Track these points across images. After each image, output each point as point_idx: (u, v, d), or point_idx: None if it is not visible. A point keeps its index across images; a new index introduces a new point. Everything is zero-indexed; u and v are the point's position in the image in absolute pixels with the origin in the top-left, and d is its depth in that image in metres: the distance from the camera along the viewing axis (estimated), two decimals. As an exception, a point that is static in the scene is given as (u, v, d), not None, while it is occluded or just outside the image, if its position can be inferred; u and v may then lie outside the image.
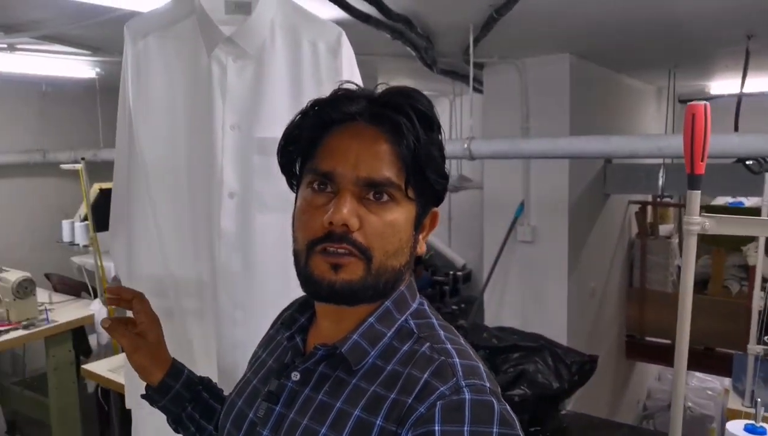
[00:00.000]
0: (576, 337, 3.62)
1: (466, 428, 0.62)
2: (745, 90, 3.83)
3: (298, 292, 1.19)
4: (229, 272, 1.19)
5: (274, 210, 1.18)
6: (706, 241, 5.54)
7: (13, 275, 2.92)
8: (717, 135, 2.21)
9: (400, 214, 0.71)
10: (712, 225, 1.06)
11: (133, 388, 1.26)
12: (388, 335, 0.73)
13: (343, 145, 0.71)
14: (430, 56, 2.94)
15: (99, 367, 2.50)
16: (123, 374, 1.30)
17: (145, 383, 1.00)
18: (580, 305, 3.77)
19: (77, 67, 3.45)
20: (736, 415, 1.40)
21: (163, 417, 1.26)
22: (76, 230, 3.56)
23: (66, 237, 3.65)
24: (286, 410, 0.74)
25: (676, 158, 3.99)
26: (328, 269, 0.70)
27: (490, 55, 3.32)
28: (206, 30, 1.14)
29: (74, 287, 3.65)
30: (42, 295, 3.20)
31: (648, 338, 4.91)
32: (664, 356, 4.91)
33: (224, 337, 1.20)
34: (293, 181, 0.79)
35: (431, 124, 0.72)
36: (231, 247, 1.18)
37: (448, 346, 0.70)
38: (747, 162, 3.00)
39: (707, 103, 0.99)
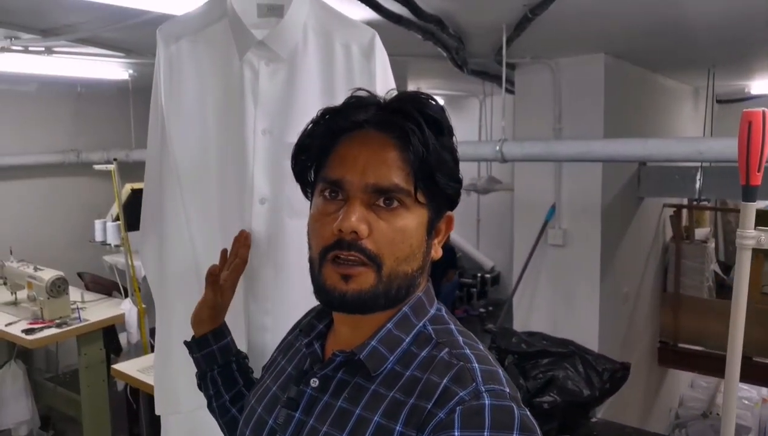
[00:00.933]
0: (607, 343, 3.54)
1: (486, 434, 0.62)
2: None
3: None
4: (260, 278, 1.17)
5: (303, 216, 1.15)
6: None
7: (47, 274, 2.97)
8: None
9: (410, 220, 0.71)
10: (767, 240, 1.01)
11: (163, 394, 1.25)
12: (407, 340, 0.73)
13: (352, 152, 0.72)
14: (461, 57, 2.90)
15: (128, 367, 2.53)
16: (153, 379, 1.29)
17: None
18: (613, 310, 3.69)
19: (111, 69, 3.50)
20: None
21: (194, 423, 1.26)
22: (108, 229, 3.61)
23: (98, 236, 3.70)
24: (305, 417, 0.74)
25: (714, 161, 3.89)
26: (338, 280, 0.70)
27: (522, 56, 3.26)
28: (238, 34, 1.13)
29: (106, 286, 3.71)
30: (74, 293, 3.25)
31: (681, 345, 4.79)
32: (698, 363, 4.79)
33: (253, 343, 1.19)
34: (308, 188, 0.80)
35: (441, 128, 0.72)
36: (262, 252, 1.17)
37: (467, 351, 0.70)
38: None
39: (766, 109, 0.93)
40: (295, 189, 1.15)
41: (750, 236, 1.00)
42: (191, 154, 1.20)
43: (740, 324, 1.04)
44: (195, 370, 1.22)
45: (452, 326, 0.76)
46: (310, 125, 0.77)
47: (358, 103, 0.74)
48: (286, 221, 1.16)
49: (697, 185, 3.65)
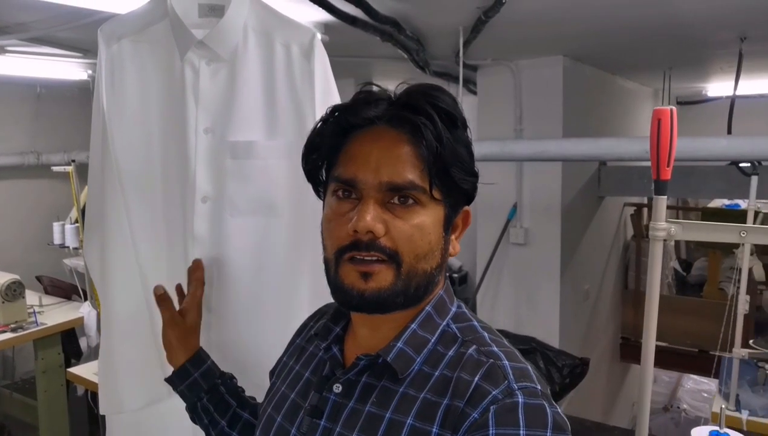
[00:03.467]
0: (569, 339, 3.61)
1: (521, 432, 0.61)
2: (741, 92, 3.81)
3: (270, 295, 1.20)
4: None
5: (247, 214, 1.17)
6: (703, 244, 5.53)
7: (2, 278, 2.91)
8: (706, 138, 2.21)
9: (427, 217, 0.70)
10: (678, 231, 1.05)
11: (106, 394, 1.25)
12: (432, 340, 0.72)
13: (364, 150, 0.70)
14: (422, 58, 2.93)
15: (85, 370, 2.50)
16: (98, 378, 1.29)
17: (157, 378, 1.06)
18: (574, 307, 3.76)
19: (70, 69, 3.44)
20: (719, 418, 1.38)
21: (139, 422, 1.26)
22: (66, 232, 3.55)
23: (57, 239, 3.63)
24: (331, 424, 0.72)
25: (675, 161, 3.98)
26: (357, 278, 0.69)
27: (483, 57, 3.31)
28: (179, 33, 1.14)
29: (65, 290, 3.64)
30: (32, 297, 3.19)
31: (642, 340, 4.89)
32: (659, 358, 4.89)
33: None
34: (319, 188, 0.78)
35: (454, 121, 0.70)
36: (204, 250, 1.17)
37: (495, 348, 0.69)
38: (741, 164, 3.00)
39: (673, 108, 0.97)
40: (237, 187, 1.17)
41: (661, 227, 1.05)
42: (133, 154, 1.20)
43: (654, 312, 1.09)
44: (139, 368, 1.22)
45: (475, 323, 0.75)
46: (320, 123, 0.74)
47: (368, 98, 0.72)
48: (229, 220, 1.17)
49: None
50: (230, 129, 1.15)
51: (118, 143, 1.19)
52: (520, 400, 0.63)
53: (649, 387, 1.11)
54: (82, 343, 3.33)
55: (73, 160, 3.20)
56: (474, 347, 0.69)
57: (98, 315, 3.06)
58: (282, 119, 1.16)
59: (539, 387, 0.66)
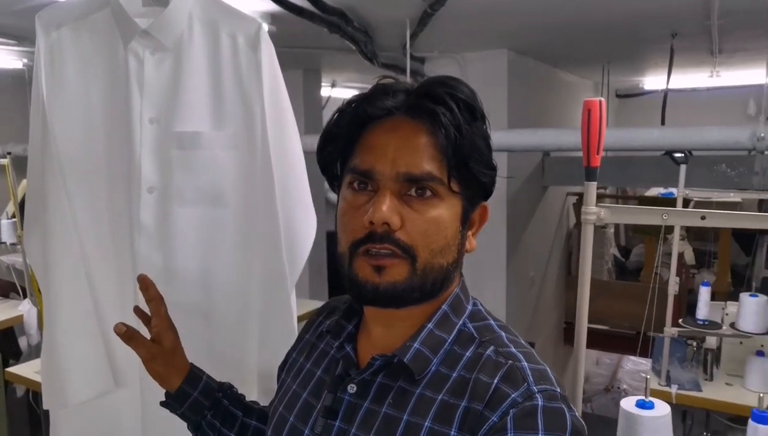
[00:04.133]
0: (515, 324, 3.67)
1: None
2: (677, 86, 4.01)
3: (218, 285, 1.20)
4: (149, 267, 1.17)
5: (194, 204, 1.17)
6: (638, 230, 5.80)
7: (-66, 276, 2.78)
8: (639, 129, 2.33)
9: (444, 210, 0.68)
10: (606, 215, 1.13)
11: (50, 387, 1.23)
12: (449, 340, 0.71)
13: (381, 141, 0.68)
14: (370, 50, 2.95)
15: (25, 370, 2.42)
16: (41, 374, 1.26)
17: (163, 389, 0.96)
18: (520, 293, 3.88)
19: (4, 57, 3.29)
20: (653, 394, 1.48)
21: (85, 417, 1.24)
22: (2, 227, 3.40)
23: (-8, 235, 3.49)
24: (347, 425, 0.71)
25: (610, 151, 4.16)
26: (371, 272, 0.67)
27: (430, 49, 3.36)
28: (122, 22, 1.12)
29: (3, 287, 3.50)
30: (-33, 295, 3.06)
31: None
32: (601, 341, 5.11)
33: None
34: (334, 182, 0.76)
35: (473, 112, 0.69)
36: (151, 242, 1.17)
37: (513, 349, 0.68)
38: (675, 154, 3.17)
39: (602, 99, 1.04)
40: (184, 178, 1.17)
41: (592, 211, 1.12)
42: (76, 145, 1.18)
43: (586, 292, 1.16)
44: (85, 360, 1.20)
45: (491, 322, 0.74)
46: (336, 115, 0.72)
47: (386, 89, 0.70)
48: (176, 210, 1.17)
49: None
50: (176, 119, 1.15)
51: (60, 135, 1.17)
52: (539, 403, 0.62)
53: (582, 365, 1.18)
54: (22, 342, 3.21)
55: (9, 153, 3.07)
56: (492, 347, 0.68)
57: (39, 313, 2.96)
58: (229, 110, 1.16)
59: (558, 390, 0.65)
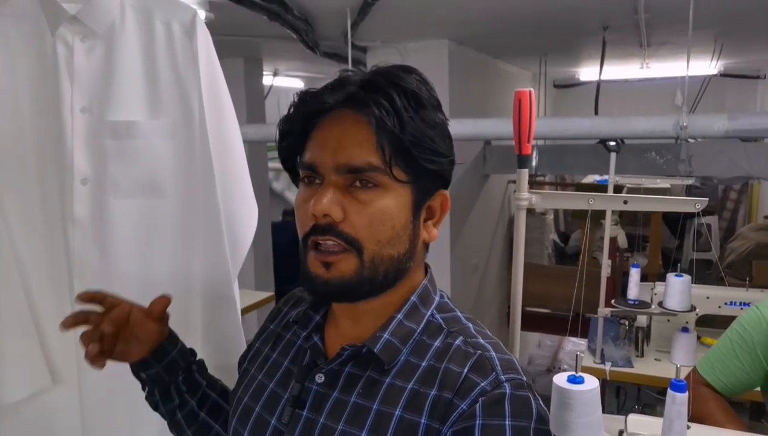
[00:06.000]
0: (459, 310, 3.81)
1: (507, 423, 0.63)
2: (610, 77, 4.16)
3: (157, 278, 1.19)
4: (85, 261, 1.15)
5: (130, 195, 1.15)
6: (576, 216, 6.01)
7: None
8: (572, 118, 2.42)
9: (390, 200, 0.68)
10: (538, 200, 1.18)
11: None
12: (418, 331, 0.72)
13: (325, 134, 0.69)
14: (312, 39, 2.94)
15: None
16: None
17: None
18: (463, 280, 3.98)
19: None
20: (589, 372, 1.55)
21: (17, 419, 1.19)
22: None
23: None
24: (314, 415, 0.71)
25: (549, 140, 4.29)
26: (320, 267, 0.68)
27: (372, 39, 3.37)
28: (48, 7, 1.08)
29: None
30: None
31: (528, 308, 5.26)
32: (543, 323, 5.29)
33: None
34: (297, 177, 0.76)
35: (419, 101, 0.69)
36: (86, 234, 1.14)
37: (481, 340, 0.70)
38: (608, 142, 3.30)
39: (532, 89, 1.09)
40: (120, 168, 1.15)
41: (524, 197, 1.17)
42: (2, 136, 1.13)
43: (520, 277, 1.21)
44: (20, 358, 1.16)
45: (459, 314, 0.75)
46: (290, 110, 0.73)
47: (335, 83, 0.70)
48: (112, 202, 1.14)
49: (534, 163, 4.02)
50: (109, 108, 1.12)
51: (-17, 124, 1.12)
52: (507, 391, 0.65)
53: (517, 345, 1.23)
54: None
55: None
56: (461, 338, 0.70)
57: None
58: (165, 98, 1.14)
59: (525, 379, 0.67)
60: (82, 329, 0.88)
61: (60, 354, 1.17)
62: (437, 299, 0.76)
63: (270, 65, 4.56)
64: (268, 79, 4.80)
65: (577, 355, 1.31)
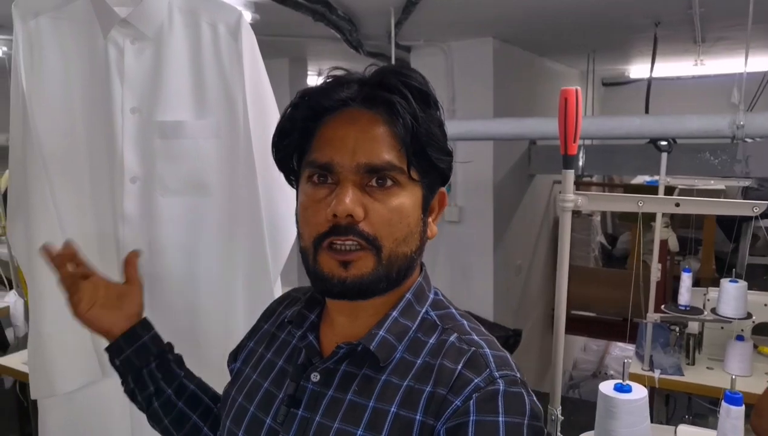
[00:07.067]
0: (503, 312, 3.77)
1: (500, 419, 0.63)
2: (662, 74, 4.02)
3: (202, 274, 1.21)
4: (134, 256, 1.18)
5: (176, 194, 1.18)
6: (624, 218, 5.84)
7: None
8: (622, 117, 2.35)
9: (406, 198, 0.68)
10: (584, 202, 1.14)
11: (37, 377, 1.23)
12: (413, 328, 0.72)
13: (339, 133, 0.68)
14: (355, 38, 2.95)
15: (12, 361, 2.41)
16: (28, 363, 1.27)
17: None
18: (507, 281, 3.92)
19: (-17, 46, 3.25)
20: (636, 379, 1.51)
21: (73, 406, 1.25)
22: (-14, 218, 3.38)
23: (-24, 226, 3.46)
24: (309, 414, 0.71)
25: (597, 139, 4.18)
26: (337, 266, 0.67)
27: (416, 38, 3.36)
28: (101, 11, 1.12)
29: (-12, 279, 3.48)
30: (-48, 288, 3.04)
31: (573, 311, 5.15)
32: (588, 327, 5.17)
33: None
34: (292, 177, 0.76)
35: (427, 100, 0.69)
36: (134, 231, 1.17)
37: (475, 337, 0.70)
38: (659, 142, 3.20)
39: (578, 88, 1.05)
40: (167, 167, 1.17)
41: (569, 199, 1.14)
42: (57, 136, 1.18)
43: (564, 279, 1.18)
44: (72, 349, 1.20)
45: (453, 310, 0.75)
46: (289, 109, 0.72)
47: (340, 80, 0.70)
48: (159, 200, 1.17)
49: (581, 163, 3.93)
50: (158, 108, 1.15)
51: (41, 125, 1.17)
52: (501, 388, 0.64)
53: (561, 349, 1.20)
54: (9, 333, 3.20)
55: (-9, 143, 3.04)
56: (455, 335, 0.70)
57: (25, 304, 2.95)
58: (210, 99, 1.16)
59: (518, 375, 0.67)
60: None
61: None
62: (432, 296, 0.76)
63: (314, 65, 4.60)
64: (312, 80, 4.84)
65: (624, 362, 1.27)
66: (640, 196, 1.10)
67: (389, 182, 0.67)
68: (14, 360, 2.43)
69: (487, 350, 0.68)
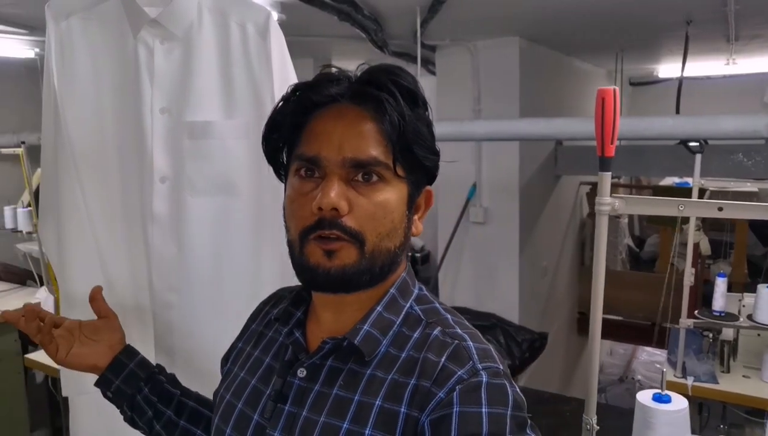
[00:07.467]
0: (528, 315, 3.72)
1: (483, 410, 0.63)
2: (689, 74, 3.92)
3: (231, 274, 1.21)
4: (163, 256, 1.18)
5: (205, 194, 1.18)
6: (653, 221, 5.73)
7: (-48, 264, 2.82)
8: (653, 118, 2.30)
9: (391, 194, 0.69)
10: (621, 206, 1.11)
11: (68, 374, 1.24)
12: (397, 322, 0.72)
13: (327, 128, 0.69)
14: (380, 38, 2.94)
15: (43, 356, 2.45)
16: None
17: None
18: (532, 283, 3.86)
19: (16, 47, 3.31)
20: (668, 386, 1.46)
21: (101, 404, 1.25)
22: (18, 216, 3.45)
23: (8, 224, 3.52)
24: (296, 409, 0.72)
25: (625, 140, 4.11)
26: (322, 256, 0.68)
27: (441, 38, 3.33)
28: (131, 11, 1.12)
29: (20, 275, 3.55)
30: (-16, 284, 3.11)
31: (599, 315, 5.06)
32: (615, 331, 5.08)
33: (159, 320, 1.20)
34: (281, 171, 0.77)
35: (416, 99, 0.71)
36: (164, 230, 1.18)
37: (459, 330, 0.71)
38: (690, 143, 3.12)
39: (616, 87, 1.02)
40: (196, 167, 1.18)
41: (606, 202, 1.10)
42: (87, 135, 1.19)
43: (600, 284, 1.14)
44: None
45: (437, 305, 0.76)
46: (281, 103, 0.73)
47: (330, 77, 0.71)
48: (188, 200, 1.17)
49: (608, 163, 3.85)
50: (187, 109, 1.15)
51: (72, 124, 1.18)
52: (483, 379, 0.65)
53: (596, 356, 1.17)
54: (39, 330, 3.25)
55: (23, 142, 3.10)
56: (438, 328, 0.71)
57: (56, 300, 2.99)
58: (239, 99, 1.16)
59: (501, 367, 0.68)
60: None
61: (139, 345, 1.21)
62: (416, 291, 0.77)
63: (339, 65, 4.60)
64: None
65: (663, 372, 1.24)
66: (681, 200, 1.07)
67: (375, 178, 0.69)
68: (45, 356, 2.45)
69: (470, 343, 0.69)
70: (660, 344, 5.10)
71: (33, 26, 2.75)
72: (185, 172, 1.17)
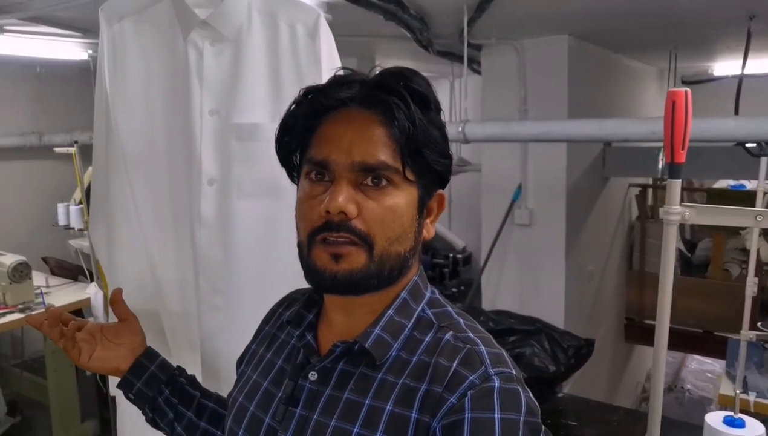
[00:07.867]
0: (574, 320, 3.62)
1: (496, 415, 0.63)
2: (749, 71, 3.74)
3: (278, 277, 1.19)
4: (210, 258, 1.18)
5: (253, 196, 1.17)
6: (707, 225, 5.51)
7: (9, 259, 2.92)
8: (713, 118, 2.19)
9: (400, 198, 0.69)
10: (692, 215, 1.04)
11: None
12: (408, 326, 0.72)
13: (337, 131, 0.69)
14: (425, 38, 2.90)
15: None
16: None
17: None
18: (578, 288, 3.76)
19: (70, 49, 3.42)
20: (727, 401, 1.38)
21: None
22: (71, 213, 3.55)
23: (62, 220, 3.64)
24: (307, 412, 0.72)
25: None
26: (329, 259, 0.68)
27: (487, 37, 3.27)
28: (181, 13, 1.12)
29: (71, 271, 3.66)
30: (39, 278, 3.21)
31: (647, 321, 4.90)
32: (663, 338, 4.92)
33: (205, 323, 1.20)
34: (294, 173, 0.77)
35: (427, 103, 0.70)
36: (211, 233, 1.17)
37: (471, 334, 0.70)
38: (747, 145, 2.97)
39: (688, 89, 0.96)
40: (243, 170, 1.17)
41: (675, 211, 1.03)
42: (138, 136, 1.19)
43: (668, 294, 1.08)
44: (150, 343, 1.22)
45: (449, 309, 0.75)
46: (293, 106, 0.74)
47: (341, 80, 0.71)
48: (235, 202, 1.17)
49: (660, 165, 3.72)
50: (235, 111, 1.15)
51: (122, 125, 1.18)
52: (496, 385, 0.64)
53: (662, 370, 1.10)
54: (89, 324, 3.34)
55: (76, 142, 3.19)
56: (450, 332, 0.70)
57: (105, 296, 3.07)
58: (287, 101, 1.13)
59: (514, 372, 0.67)
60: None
61: (185, 344, 1.22)
62: (428, 294, 0.76)
63: (383, 65, 4.58)
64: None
65: (736, 393, 1.16)
66: (758, 210, 0.99)
67: (384, 182, 0.69)
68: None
69: (483, 348, 0.68)
70: (714, 353, 4.91)
71: (87, 29, 2.83)
72: (233, 175, 1.16)
